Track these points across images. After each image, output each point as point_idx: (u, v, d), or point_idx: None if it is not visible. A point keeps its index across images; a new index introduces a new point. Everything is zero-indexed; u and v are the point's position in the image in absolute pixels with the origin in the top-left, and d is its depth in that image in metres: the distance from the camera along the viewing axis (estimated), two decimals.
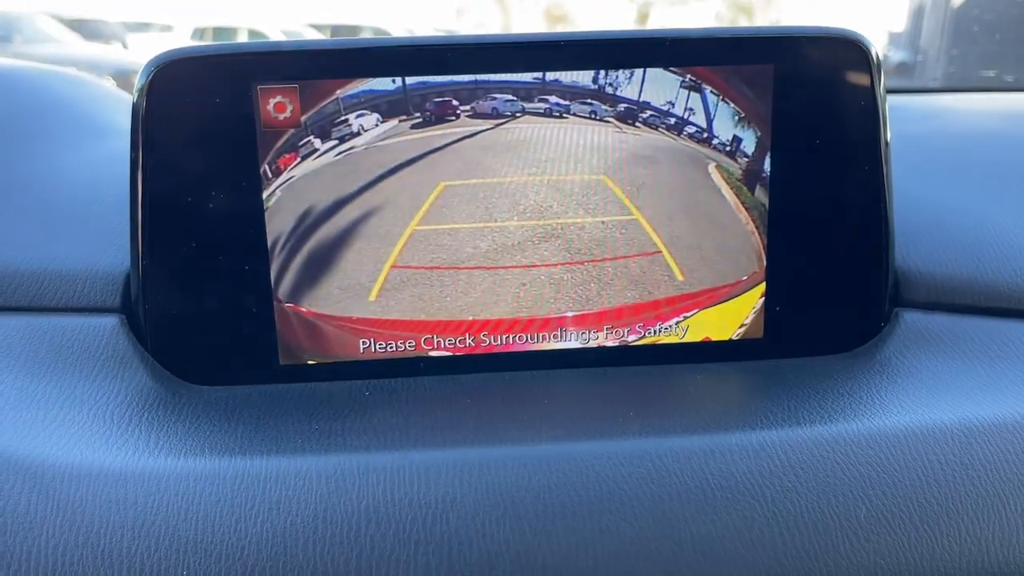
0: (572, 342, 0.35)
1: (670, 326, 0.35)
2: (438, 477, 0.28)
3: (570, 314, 0.35)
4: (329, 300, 0.34)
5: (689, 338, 0.36)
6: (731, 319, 0.36)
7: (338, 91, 0.32)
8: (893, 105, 0.52)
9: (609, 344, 0.36)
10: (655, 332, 0.35)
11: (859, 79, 0.34)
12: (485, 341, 0.35)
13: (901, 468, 0.29)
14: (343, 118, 0.33)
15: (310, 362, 0.34)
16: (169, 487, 0.27)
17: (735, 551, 0.28)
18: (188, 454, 0.29)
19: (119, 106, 0.52)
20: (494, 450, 0.29)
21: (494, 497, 0.28)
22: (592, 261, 0.35)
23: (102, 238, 0.36)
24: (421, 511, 0.27)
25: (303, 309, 0.34)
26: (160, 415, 0.31)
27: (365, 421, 0.31)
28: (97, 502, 0.27)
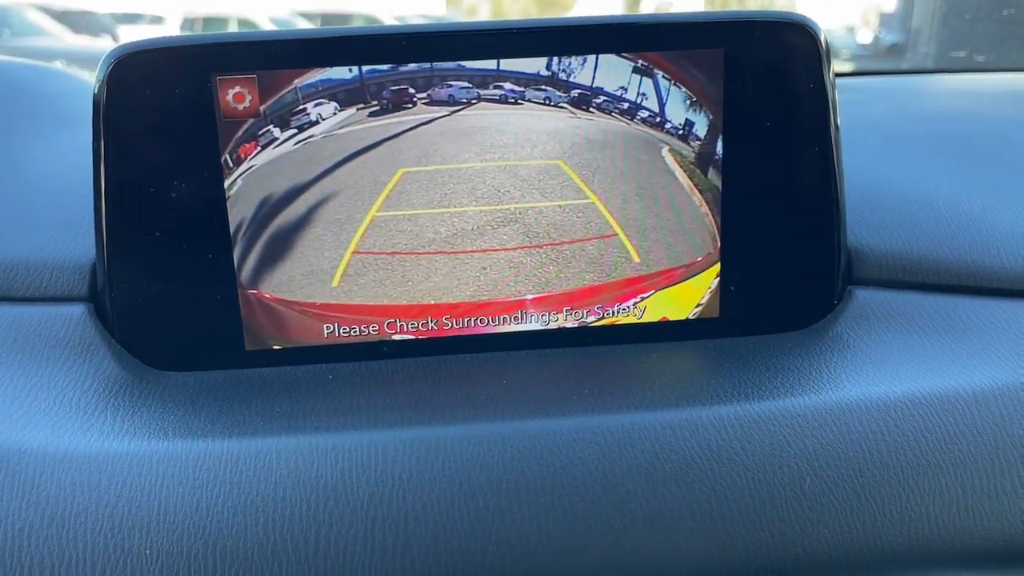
0: (533, 324, 0.36)
1: (628, 307, 0.36)
2: (395, 455, 0.29)
3: (530, 297, 0.36)
4: (292, 286, 0.35)
5: (647, 318, 0.36)
6: (687, 299, 0.36)
7: (296, 80, 0.33)
8: (855, 86, 0.53)
9: (569, 326, 0.36)
10: (613, 313, 0.36)
11: (808, 63, 0.34)
12: (447, 324, 0.36)
13: (846, 440, 0.30)
14: (301, 107, 0.33)
15: (275, 347, 0.35)
16: (132, 469, 0.28)
17: (684, 523, 0.29)
18: (152, 437, 0.29)
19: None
20: (450, 428, 0.30)
21: (449, 474, 0.29)
22: (550, 244, 0.35)
23: (69, 228, 0.36)
24: (378, 488, 0.28)
25: (267, 295, 0.35)
26: (126, 400, 0.32)
27: (328, 403, 0.32)
28: (61, 485, 0.28)
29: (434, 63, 0.33)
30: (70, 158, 0.42)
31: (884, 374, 0.33)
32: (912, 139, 0.45)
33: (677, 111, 0.35)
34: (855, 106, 0.48)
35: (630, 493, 0.29)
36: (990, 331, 0.34)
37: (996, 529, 0.30)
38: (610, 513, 0.29)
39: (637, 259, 0.36)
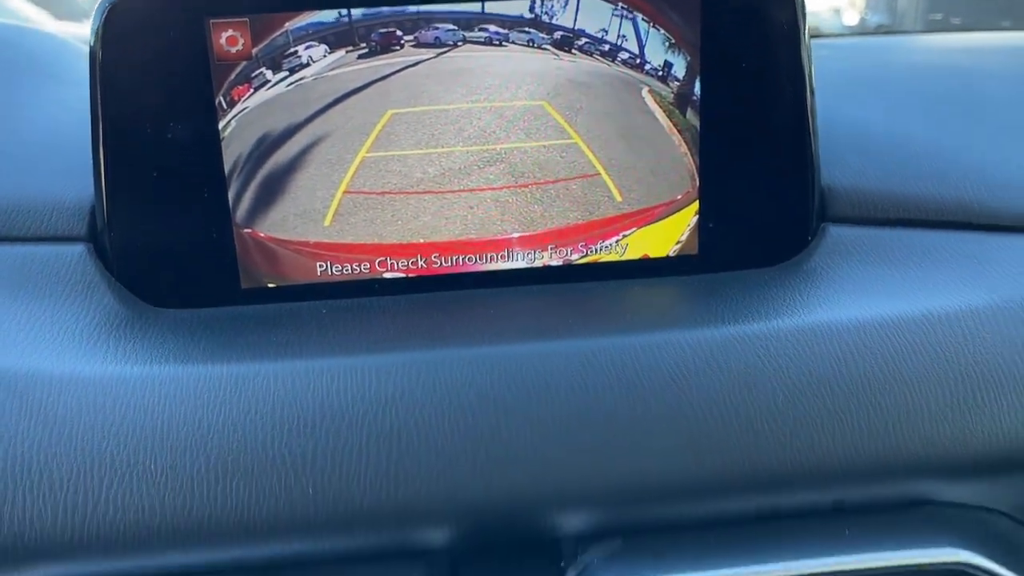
0: (519, 262, 0.37)
1: (610, 244, 0.38)
2: (388, 376, 0.30)
3: (516, 235, 0.37)
4: (285, 225, 0.36)
5: (629, 255, 0.38)
6: (668, 236, 0.38)
7: (287, 23, 0.34)
8: (832, 44, 0.54)
9: (554, 263, 0.38)
10: (597, 250, 0.38)
11: (782, 5, 0.36)
12: (436, 262, 0.37)
13: (817, 358, 0.31)
14: (292, 50, 0.34)
15: (270, 285, 0.36)
16: (136, 391, 0.29)
17: (664, 439, 0.30)
18: (153, 363, 0.31)
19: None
20: (440, 352, 0.31)
21: (439, 392, 0.30)
22: (535, 184, 0.37)
23: (68, 172, 0.37)
24: (372, 406, 0.30)
25: (261, 234, 0.36)
26: (127, 333, 0.33)
27: (322, 334, 0.34)
28: (68, 406, 0.29)
29: (420, 6, 0.34)
30: (66, 109, 0.43)
31: (854, 301, 0.34)
32: (882, 86, 0.46)
33: (656, 53, 0.36)
34: (829, 61, 0.49)
35: (612, 409, 0.30)
36: (955, 261, 0.36)
37: (959, 440, 0.31)
38: (591, 428, 0.30)
39: (619, 198, 0.37)
